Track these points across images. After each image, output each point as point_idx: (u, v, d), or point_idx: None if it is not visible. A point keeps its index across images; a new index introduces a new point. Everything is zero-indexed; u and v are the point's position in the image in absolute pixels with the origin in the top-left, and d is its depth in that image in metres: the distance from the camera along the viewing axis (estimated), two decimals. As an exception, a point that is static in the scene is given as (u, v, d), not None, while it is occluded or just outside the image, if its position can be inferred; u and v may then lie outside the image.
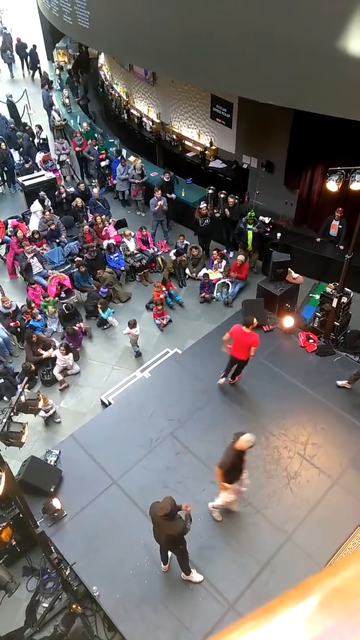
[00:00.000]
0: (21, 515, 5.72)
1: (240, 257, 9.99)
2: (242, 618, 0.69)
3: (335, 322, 8.55)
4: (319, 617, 0.66)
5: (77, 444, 7.37)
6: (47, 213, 11.20)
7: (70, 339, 9.08)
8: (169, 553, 5.76)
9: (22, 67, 20.45)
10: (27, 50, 19.65)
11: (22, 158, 13.61)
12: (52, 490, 6.68)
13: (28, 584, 6.31)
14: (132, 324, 8.85)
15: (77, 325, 9.35)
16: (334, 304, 8.32)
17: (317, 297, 9.04)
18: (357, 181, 7.03)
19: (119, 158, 12.57)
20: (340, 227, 9.97)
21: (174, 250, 10.88)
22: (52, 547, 5.78)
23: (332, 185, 7.18)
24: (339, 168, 7.13)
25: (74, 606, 5.54)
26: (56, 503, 6.42)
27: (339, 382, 7.93)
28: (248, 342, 7.11)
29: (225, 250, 11.00)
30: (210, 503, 6.33)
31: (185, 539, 5.39)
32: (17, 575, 6.36)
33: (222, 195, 11.22)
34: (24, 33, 20.44)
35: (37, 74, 19.48)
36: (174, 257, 10.69)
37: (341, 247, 9.91)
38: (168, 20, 8.65)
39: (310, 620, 0.65)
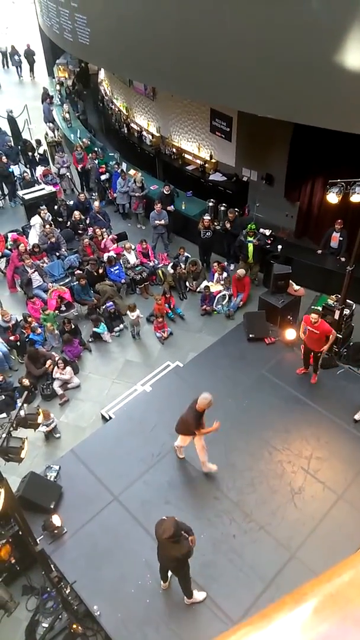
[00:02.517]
0: (20, 533, 5.62)
1: (240, 271, 9.91)
2: (238, 624, 0.70)
3: (337, 335, 8.50)
4: (313, 622, 0.67)
5: (78, 459, 7.28)
6: (47, 226, 11.22)
7: (67, 348, 9.08)
8: (169, 572, 5.65)
9: (31, 71, 22.41)
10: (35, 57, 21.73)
11: (21, 170, 13.71)
12: (52, 506, 6.59)
13: (27, 604, 6.18)
14: (132, 308, 9.47)
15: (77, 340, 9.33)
16: (336, 316, 8.29)
17: (319, 309, 9.00)
18: (357, 193, 7.03)
19: (119, 171, 12.63)
20: (341, 239, 9.96)
21: (174, 263, 10.87)
22: (52, 565, 5.67)
23: (333, 198, 7.18)
24: (339, 180, 7.14)
25: (74, 626, 5.44)
26: (56, 520, 6.32)
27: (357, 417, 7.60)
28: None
29: (225, 263, 10.99)
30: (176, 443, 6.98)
31: (189, 563, 5.28)
32: (17, 595, 6.23)
33: (222, 208, 11.25)
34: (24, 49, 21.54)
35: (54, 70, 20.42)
36: (171, 271, 10.67)
37: (342, 259, 9.89)
38: (168, 36, 8.73)
39: (304, 626, 0.67)
